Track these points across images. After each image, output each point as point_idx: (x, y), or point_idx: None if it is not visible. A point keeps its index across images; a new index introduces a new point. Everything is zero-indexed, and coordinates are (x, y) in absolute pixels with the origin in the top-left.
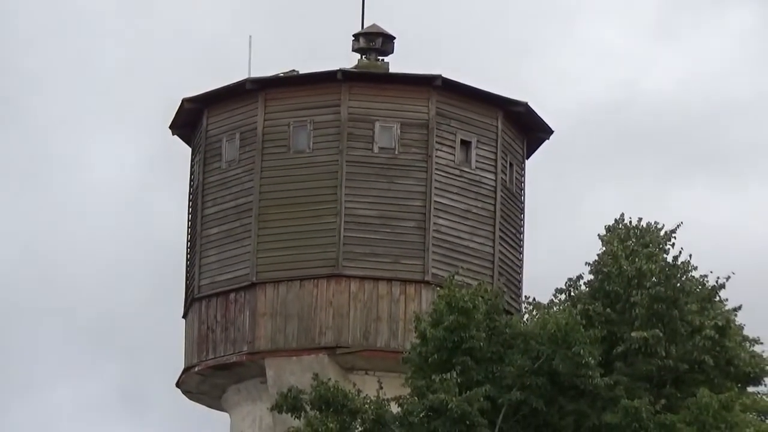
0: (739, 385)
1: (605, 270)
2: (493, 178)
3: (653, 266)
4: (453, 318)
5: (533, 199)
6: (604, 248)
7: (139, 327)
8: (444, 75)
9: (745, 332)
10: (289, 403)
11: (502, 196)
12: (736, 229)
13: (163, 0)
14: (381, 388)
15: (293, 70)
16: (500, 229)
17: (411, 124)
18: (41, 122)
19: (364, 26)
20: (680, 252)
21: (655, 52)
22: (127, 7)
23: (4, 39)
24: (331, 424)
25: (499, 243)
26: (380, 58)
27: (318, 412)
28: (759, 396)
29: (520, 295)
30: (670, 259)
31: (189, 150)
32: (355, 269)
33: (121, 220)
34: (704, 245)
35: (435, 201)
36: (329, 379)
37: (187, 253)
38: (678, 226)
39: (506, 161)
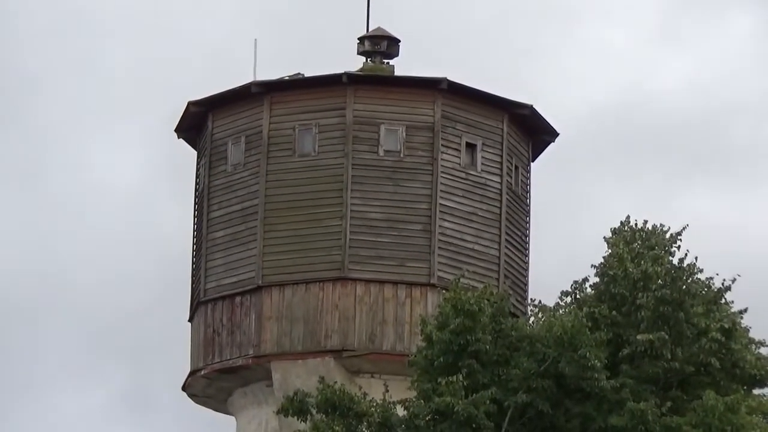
0: (745, 387)
1: (611, 272)
2: (499, 180)
3: (659, 269)
4: (459, 321)
5: (539, 202)
6: (609, 251)
7: (144, 330)
8: (449, 78)
9: (751, 335)
10: (295, 406)
11: (507, 198)
12: (742, 231)
13: (169, 2)
14: (387, 391)
15: (298, 74)
16: (506, 231)
17: (416, 127)
18: (43, 123)
19: (369, 29)
20: (686, 254)
21: (659, 54)
22: (132, 10)
23: (4, 39)
24: (337, 428)
25: (505, 246)
26: (385, 61)
27: (324, 416)
28: (765, 398)
29: (525, 298)
30: (675, 261)
31: (194, 153)
32: (361, 272)
33: (127, 223)
34: (710, 247)
35: (440, 204)
36: (335, 382)
37: (192, 257)
38: (684, 228)
39: (512, 164)
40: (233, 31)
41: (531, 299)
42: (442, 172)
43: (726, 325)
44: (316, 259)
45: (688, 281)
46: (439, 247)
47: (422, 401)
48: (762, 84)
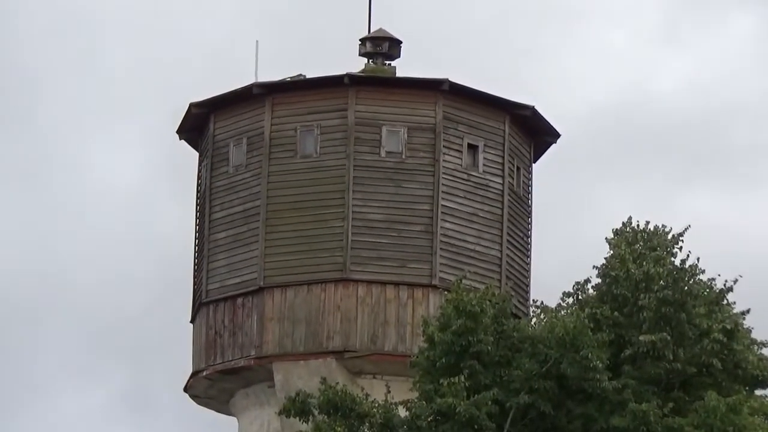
0: (747, 388)
1: (613, 273)
2: (501, 181)
3: (661, 269)
4: (461, 322)
5: (540, 203)
6: (611, 251)
7: (146, 331)
8: (451, 79)
9: (753, 335)
10: (297, 407)
11: (509, 199)
12: (744, 232)
13: (169, 2)
14: (389, 392)
15: (300, 75)
16: (507, 232)
17: (418, 128)
18: (43, 123)
19: (371, 30)
20: (688, 255)
21: (660, 54)
22: (132, 10)
23: (4, 39)
24: (339, 428)
25: (507, 246)
26: (387, 62)
27: (326, 417)
28: (767, 399)
29: (527, 299)
30: (677, 262)
31: (194, 153)
32: (363, 273)
33: (127, 223)
34: (710, 248)
35: (442, 205)
36: (337, 383)
37: (194, 258)
38: (686, 229)
39: (513, 165)
40: (234, 31)
41: (533, 300)
42: (443, 173)
43: (728, 326)
44: (318, 260)
45: (690, 282)
46: (441, 248)
47: (424, 402)
48: (762, 84)
